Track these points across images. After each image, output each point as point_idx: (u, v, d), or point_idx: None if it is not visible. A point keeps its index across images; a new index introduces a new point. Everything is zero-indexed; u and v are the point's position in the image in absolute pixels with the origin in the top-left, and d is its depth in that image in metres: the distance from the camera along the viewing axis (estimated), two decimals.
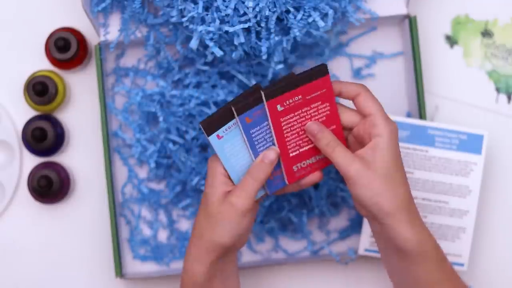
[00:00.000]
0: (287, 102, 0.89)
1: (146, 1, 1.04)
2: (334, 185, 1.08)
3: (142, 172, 1.11)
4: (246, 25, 0.95)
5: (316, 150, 0.91)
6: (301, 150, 0.91)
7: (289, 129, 0.90)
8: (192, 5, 0.96)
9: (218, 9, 0.96)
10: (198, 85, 1.07)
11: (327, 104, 0.90)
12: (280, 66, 1.02)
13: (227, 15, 0.96)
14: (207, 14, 0.96)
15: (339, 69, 1.11)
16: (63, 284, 1.11)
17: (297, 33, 0.97)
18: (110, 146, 1.08)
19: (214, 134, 0.89)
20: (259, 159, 0.89)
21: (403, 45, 1.11)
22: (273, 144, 0.90)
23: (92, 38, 1.11)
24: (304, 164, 0.91)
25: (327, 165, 0.92)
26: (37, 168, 1.08)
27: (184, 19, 0.97)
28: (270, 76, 1.04)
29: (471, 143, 1.04)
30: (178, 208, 1.11)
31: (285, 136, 0.90)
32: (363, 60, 1.12)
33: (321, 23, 0.98)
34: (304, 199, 1.09)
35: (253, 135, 0.89)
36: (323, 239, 1.11)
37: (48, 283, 1.10)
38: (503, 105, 1.12)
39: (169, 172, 1.09)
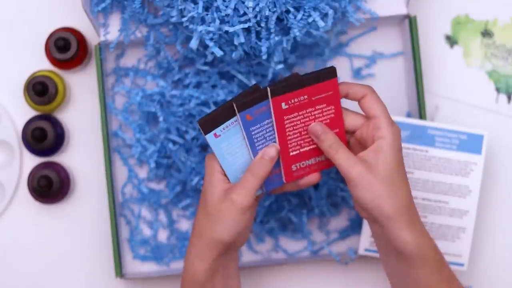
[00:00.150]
0: (292, 101, 0.88)
1: (146, 1, 1.04)
2: (334, 185, 1.08)
3: (142, 172, 1.11)
4: (246, 25, 0.95)
5: (316, 152, 0.91)
6: (301, 150, 0.91)
7: (291, 128, 0.90)
8: (192, 5, 0.96)
9: (218, 9, 0.96)
10: (198, 85, 1.07)
11: (332, 107, 0.90)
12: (280, 66, 1.02)
13: (227, 15, 0.96)
14: (207, 14, 0.96)
15: (339, 69, 1.11)
16: (63, 284, 1.11)
17: (297, 33, 0.97)
18: (110, 146, 1.08)
19: (211, 133, 0.89)
20: (259, 155, 0.89)
21: (403, 45, 1.11)
22: (273, 142, 0.90)
23: (92, 38, 1.11)
24: (303, 164, 0.91)
25: (326, 168, 0.92)
26: (37, 168, 1.08)
27: (184, 19, 0.97)
28: (270, 76, 1.04)
29: (471, 143, 1.04)
30: (178, 208, 1.11)
31: (287, 134, 0.90)
32: (363, 60, 1.12)
33: (321, 23, 0.98)
34: (304, 199, 1.09)
35: (253, 133, 0.89)
36: (323, 239, 1.11)
37: (48, 283, 1.10)
38: (503, 105, 1.12)
39: (169, 172, 1.09)
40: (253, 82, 1.06)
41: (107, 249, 1.11)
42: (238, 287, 0.94)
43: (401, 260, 0.88)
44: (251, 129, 0.89)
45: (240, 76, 1.06)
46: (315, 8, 0.98)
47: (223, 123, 0.89)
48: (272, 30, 0.97)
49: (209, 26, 0.96)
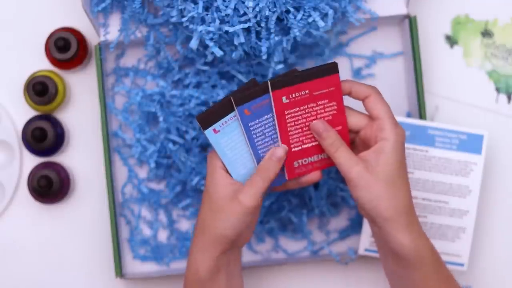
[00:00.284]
0: (293, 95, 0.88)
1: (146, 1, 1.04)
2: (334, 185, 1.08)
3: (142, 172, 1.11)
4: (246, 25, 0.95)
5: (318, 149, 0.91)
6: (303, 146, 0.91)
7: (293, 123, 0.90)
8: (192, 5, 0.96)
9: (218, 9, 0.96)
10: (198, 85, 1.07)
11: (334, 103, 0.90)
12: (280, 66, 1.02)
13: (227, 15, 0.96)
14: (207, 14, 0.96)
15: (339, 69, 1.11)
16: (63, 284, 1.10)
17: (297, 33, 0.97)
18: (110, 146, 1.08)
19: (210, 128, 0.89)
20: (267, 156, 0.89)
21: (403, 45, 1.11)
22: (273, 139, 0.90)
23: (92, 38, 1.11)
24: (305, 161, 0.91)
25: (328, 166, 0.92)
26: (37, 168, 1.08)
27: (184, 19, 0.97)
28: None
29: (471, 143, 1.04)
30: (178, 208, 1.11)
31: (288, 129, 0.89)
32: (363, 60, 1.12)
33: (321, 23, 0.98)
34: (304, 199, 1.09)
35: (251, 128, 0.89)
36: (323, 239, 1.11)
37: (48, 283, 1.10)
38: (503, 105, 1.12)
39: (169, 172, 1.09)
40: None
41: (107, 249, 1.11)
42: (241, 287, 0.94)
43: (399, 261, 0.88)
44: (249, 124, 0.89)
45: (240, 76, 1.06)
46: (315, 8, 0.98)
47: (221, 118, 0.89)
48: (272, 30, 0.97)
49: (209, 26, 0.96)
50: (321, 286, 1.11)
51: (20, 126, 1.11)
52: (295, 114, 0.89)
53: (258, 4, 0.94)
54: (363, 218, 1.07)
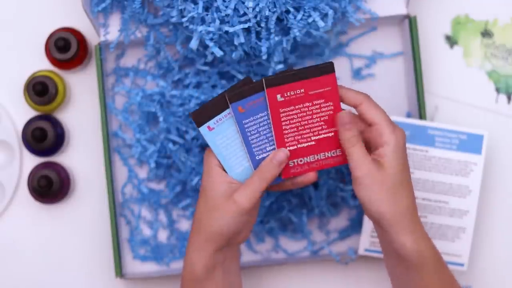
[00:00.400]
0: (288, 94, 0.88)
1: (146, 1, 1.04)
2: (334, 185, 1.08)
3: (142, 172, 1.11)
4: (246, 25, 0.95)
5: (315, 149, 0.91)
6: (299, 146, 0.91)
7: (288, 121, 0.89)
8: (192, 5, 0.96)
9: (218, 9, 0.96)
10: (198, 85, 1.07)
11: (331, 104, 0.90)
12: (280, 66, 1.02)
13: (227, 15, 0.96)
14: (207, 14, 0.96)
15: (339, 69, 1.11)
16: (63, 284, 1.11)
17: (297, 33, 0.98)
18: (110, 146, 1.08)
19: (205, 125, 0.89)
20: (269, 158, 0.90)
21: (403, 45, 1.11)
22: (268, 138, 0.90)
23: (92, 38, 1.11)
24: (301, 161, 0.91)
25: (324, 168, 0.92)
26: (37, 168, 1.08)
27: (184, 19, 0.97)
28: None
29: (471, 143, 1.04)
30: (178, 208, 1.11)
31: (283, 128, 0.89)
32: (363, 60, 1.12)
33: (321, 23, 0.98)
34: (304, 199, 1.09)
35: (246, 126, 0.89)
36: (323, 239, 1.11)
37: (48, 283, 1.10)
38: (503, 105, 1.12)
39: (169, 172, 1.09)
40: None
41: (107, 249, 1.11)
42: (239, 284, 0.94)
43: (401, 263, 0.88)
44: (244, 121, 0.89)
45: (240, 76, 1.06)
46: (315, 8, 0.98)
47: (216, 115, 0.89)
48: (272, 30, 0.97)
49: (209, 26, 0.96)
50: (321, 286, 1.11)
51: (20, 126, 1.11)
52: (291, 113, 0.89)
53: (258, 4, 0.94)
54: (363, 218, 1.07)
